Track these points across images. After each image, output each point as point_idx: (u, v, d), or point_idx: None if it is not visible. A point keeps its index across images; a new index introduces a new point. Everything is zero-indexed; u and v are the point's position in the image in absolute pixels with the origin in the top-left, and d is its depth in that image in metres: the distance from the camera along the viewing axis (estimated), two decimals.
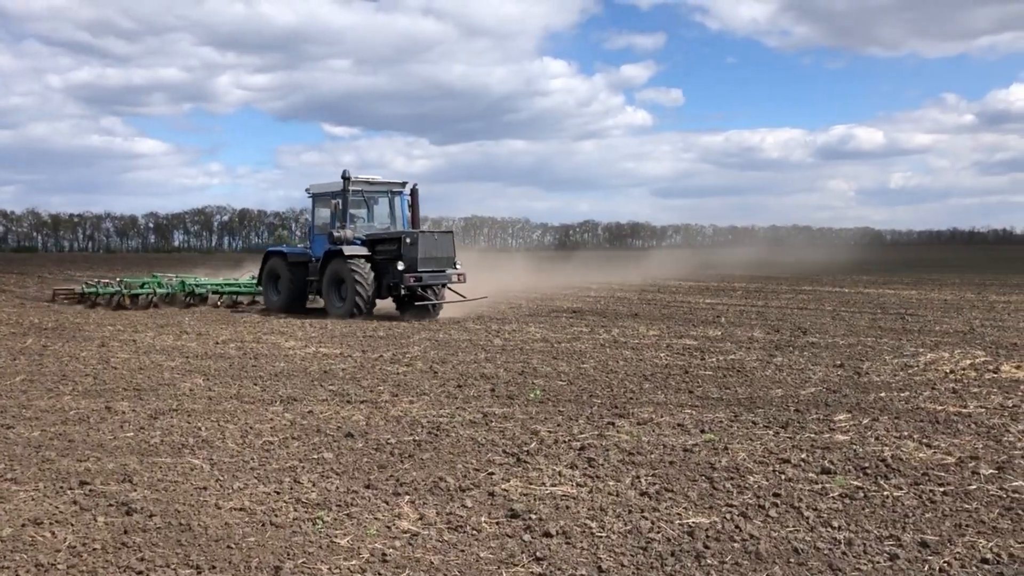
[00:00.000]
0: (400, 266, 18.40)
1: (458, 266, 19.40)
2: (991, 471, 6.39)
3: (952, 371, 11.27)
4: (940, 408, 8.81)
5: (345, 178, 19.52)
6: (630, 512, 5.54)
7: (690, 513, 5.51)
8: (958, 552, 4.84)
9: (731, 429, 7.91)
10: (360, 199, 20.40)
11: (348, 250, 18.94)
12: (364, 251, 19.13)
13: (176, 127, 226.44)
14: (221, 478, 6.38)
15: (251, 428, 8.01)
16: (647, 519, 5.38)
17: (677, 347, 13.92)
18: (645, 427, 8.00)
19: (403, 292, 18.69)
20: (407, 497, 5.87)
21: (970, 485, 6.05)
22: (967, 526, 5.24)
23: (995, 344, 14.11)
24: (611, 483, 6.18)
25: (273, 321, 18.54)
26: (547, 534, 5.12)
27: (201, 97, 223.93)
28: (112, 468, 6.59)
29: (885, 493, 5.89)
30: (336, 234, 19.28)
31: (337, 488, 6.10)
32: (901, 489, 5.98)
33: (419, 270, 18.47)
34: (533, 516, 5.43)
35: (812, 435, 7.62)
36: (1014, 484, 6.05)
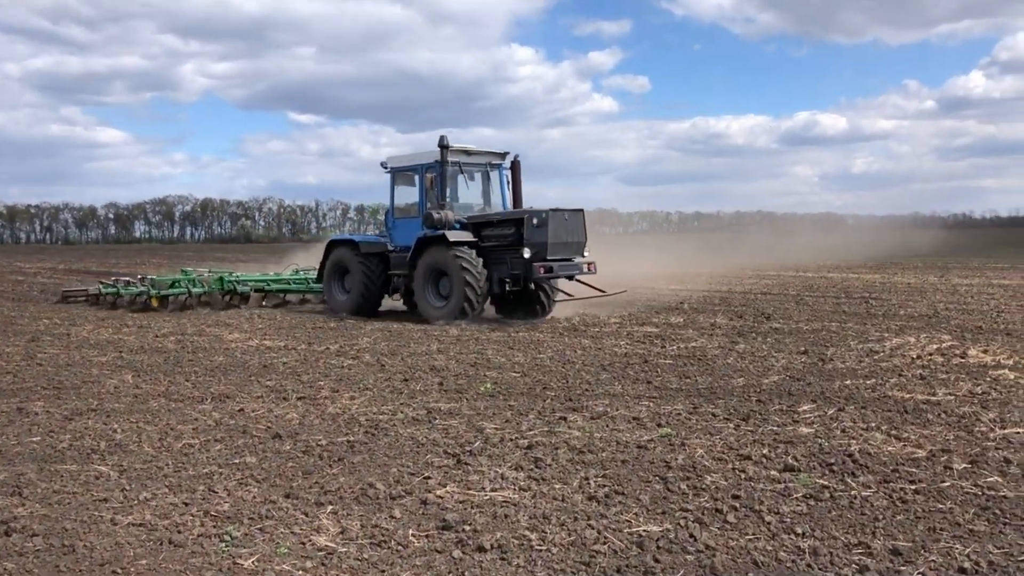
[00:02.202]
0: (526, 253, 14.76)
1: (586, 253, 15.77)
2: (964, 465, 5.96)
3: (919, 356, 10.91)
4: (908, 396, 8.40)
5: (444, 146, 15.73)
6: (575, 520, 5.01)
7: (641, 520, 5.00)
8: (933, 560, 4.37)
9: (689, 422, 7.43)
10: (455, 172, 16.55)
11: (453, 235, 15.27)
12: (470, 236, 15.61)
13: (138, 116, 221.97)
14: (127, 488, 5.76)
15: (172, 429, 7.37)
16: (593, 528, 4.86)
17: (638, 335, 13.44)
18: (598, 422, 7.48)
19: (518, 287, 15.35)
20: (330, 507, 5.29)
21: (943, 482, 5.61)
22: (942, 529, 4.78)
23: (960, 328, 13.81)
24: (557, 486, 5.65)
25: (220, 312, 17.75)
26: (481, 548, 4.58)
27: (163, 86, 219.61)
28: (4, 478, 5.93)
29: (853, 493, 5.42)
30: (436, 216, 15.51)
31: (254, 498, 5.50)
32: (870, 488, 5.52)
33: (549, 258, 14.92)
34: (467, 527, 4.88)
35: (775, 428, 7.16)
36: (989, 480, 5.62)
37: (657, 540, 4.65)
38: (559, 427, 7.27)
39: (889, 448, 6.44)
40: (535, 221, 14.85)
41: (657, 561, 4.38)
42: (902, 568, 4.29)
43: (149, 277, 19.98)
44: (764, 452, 6.38)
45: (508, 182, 16.89)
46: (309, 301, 19.76)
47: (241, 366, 10.74)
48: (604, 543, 4.64)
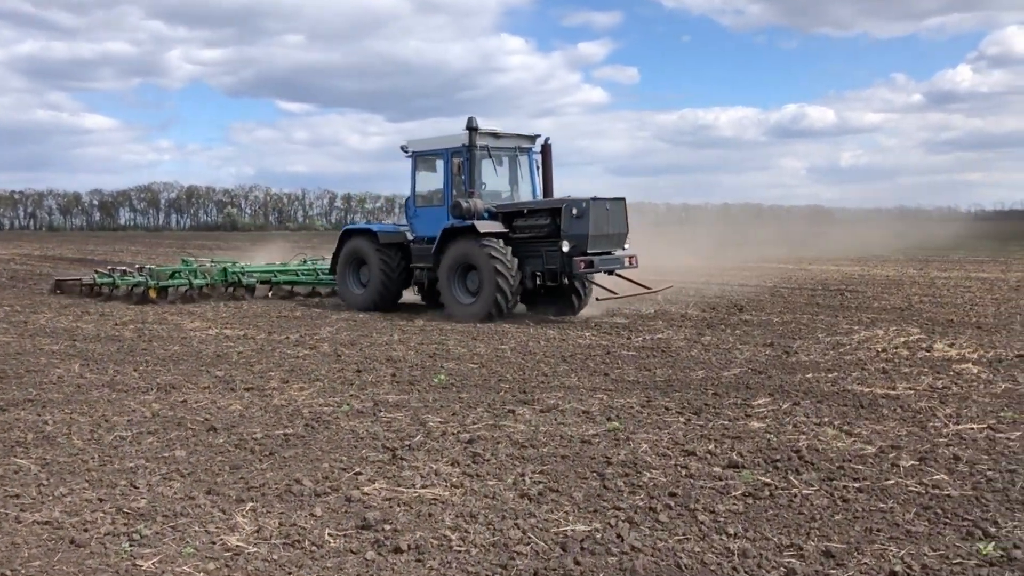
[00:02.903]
0: (565, 246, 13.54)
1: (627, 246, 14.52)
2: (912, 462, 5.80)
3: (884, 350, 10.76)
4: (867, 390, 8.25)
5: (472, 128, 14.46)
6: (503, 519, 4.82)
7: (571, 519, 4.81)
8: (865, 563, 4.20)
9: (640, 416, 7.25)
10: (483, 157, 14.94)
11: (483, 226, 14.00)
12: (500, 227, 14.35)
13: (125, 103, 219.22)
14: (45, 483, 5.53)
15: (106, 421, 7.14)
16: (519, 527, 4.67)
17: (605, 326, 13.26)
18: (547, 415, 7.29)
19: (554, 282, 14.19)
20: (250, 504, 5.08)
21: (888, 480, 5.44)
22: (879, 530, 4.61)
23: (931, 321, 13.69)
24: (491, 483, 5.46)
25: (186, 301, 17.39)
26: (397, 549, 4.38)
27: (151, 72, 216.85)
28: None
29: (794, 491, 5.25)
30: (465, 204, 14.19)
31: (174, 494, 5.29)
32: (812, 486, 5.35)
33: (589, 251, 13.73)
34: (388, 527, 4.68)
35: (726, 422, 6.98)
36: (935, 478, 5.46)
37: (582, 541, 4.46)
38: (505, 420, 7.07)
39: (839, 444, 6.27)
40: (574, 211, 13.59)
41: (578, 563, 4.19)
42: (832, 572, 4.12)
43: (148, 267, 18.77)
44: (710, 448, 6.20)
45: (538, 168, 15.62)
46: (319, 294, 18.48)
47: (195, 355, 10.50)
48: (527, 544, 4.45)
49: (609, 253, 14.12)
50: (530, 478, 5.53)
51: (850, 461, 5.84)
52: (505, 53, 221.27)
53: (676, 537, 4.53)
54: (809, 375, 9.10)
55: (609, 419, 7.13)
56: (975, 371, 9.16)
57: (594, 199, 13.72)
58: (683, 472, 5.65)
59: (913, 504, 5.01)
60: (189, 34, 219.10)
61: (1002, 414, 7.15)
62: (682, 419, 7.12)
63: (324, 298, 18.06)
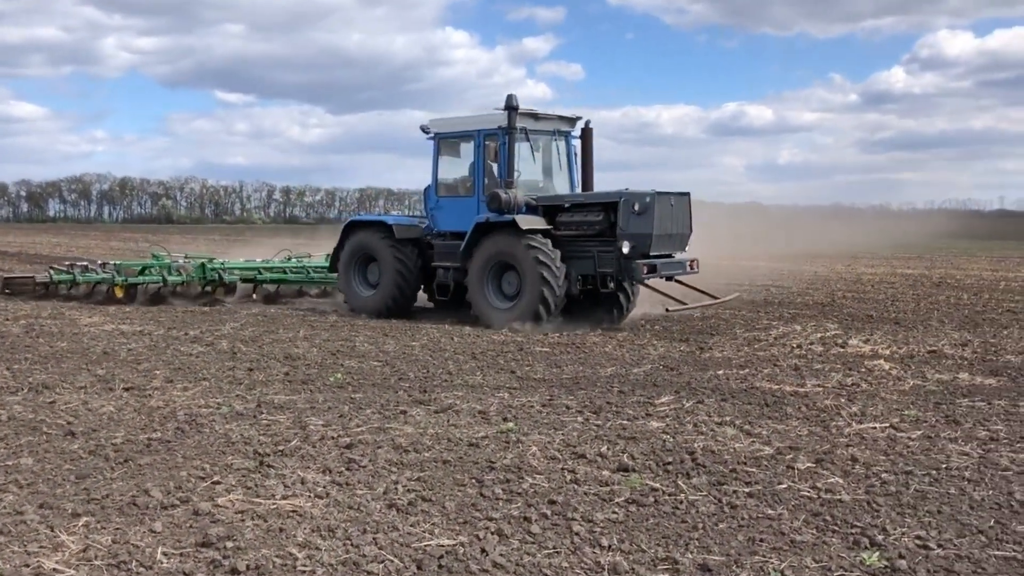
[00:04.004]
0: (625, 247, 11.79)
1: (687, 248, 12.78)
2: (808, 464, 5.55)
3: (800, 346, 10.64)
4: (776, 387, 8.05)
5: (512, 107, 12.50)
6: (363, 532, 4.41)
7: (437, 531, 4.43)
8: None
9: (538, 416, 6.90)
10: (522, 140, 13.01)
11: (525, 221, 12.24)
12: (544, 223, 12.57)
13: (56, 91, 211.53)
14: None
15: None
16: (378, 543, 4.27)
17: None
18: (441, 416, 6.90)
19: (606, 288, 12.43)
20: (85, 519, 4.57)
21: (780, 484, 5.18)
22: (762, 540, 4.32)
23: (851, 316, 13.70)
24: (360, 492, 5.04)
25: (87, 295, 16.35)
26: (234, 570, 3.94)
27: (84, 60, 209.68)
28: None
29: (680, 497, 4.94)
30: (504, 196, 12.33)
31: (3, 508, 4.75)
32: (701, 491, 5.05)
33: (652, 254, 12.04)
34: (231, 544, 4.23)
35: (625, 422, 6.68)
36: (829, 481, 5.21)
37: (440, 557, 4.07)
38: (393, 423, 6.66)
39: (736, 445, 6.01)
40: (636, 207, 11.82)
41: None
42: None
43: (113, 262, 16.49)
44: (602, 450, 5.88)
45: (576, 155, 13.76)
46: (306, 294, 16.87)
47: (80, 352, 9.84)
48: (381, 562, 4.05)
49: (670, 256, 12.46)
50: (403, 486, 5.13)
51: (744, 463, 5.57)
52: (449, 47, 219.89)
53: (545, 551, 4.18)
54: (720, 372, 8.88)
55: (505, 419, 6.77)
56: (887, 367, 9.06)
57: (659, 193, 11.94)
58: (568, 477, 5.31)
59: (803, 510, 4.75)
60: (124, 21, 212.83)
61: (906, 412, 6.99)
62: (580, 419, 6.80)
63: (317, 298, 16.69)
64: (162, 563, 4.05)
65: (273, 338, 11.09)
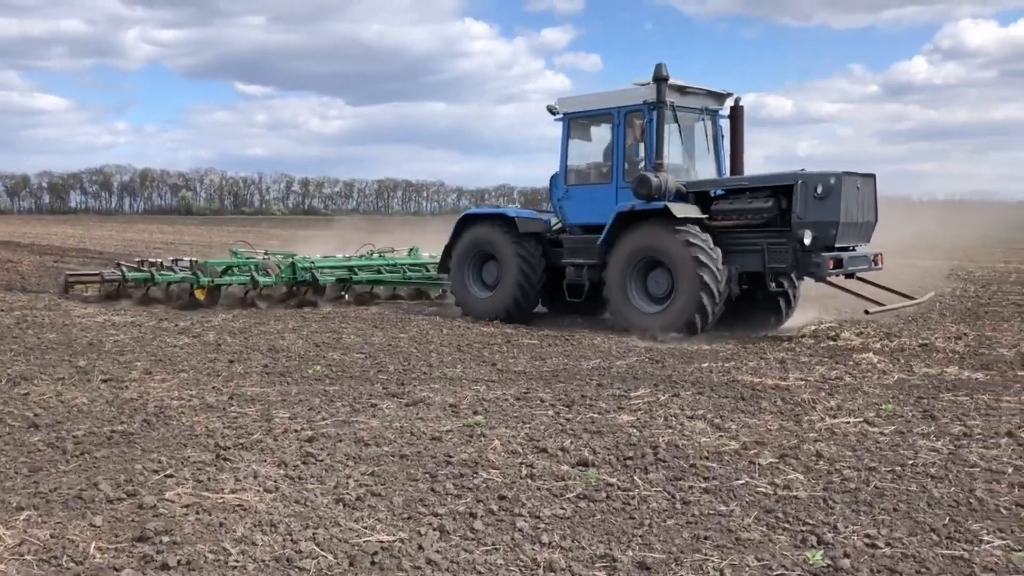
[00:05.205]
0: (806, 238, 10.11)
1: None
2: (772, 460, 5.44)
3: (791, 338, 10.49)
4: (758, 380, 7.93)
5: (662, 78, 10.95)
6: (305, 528, 4.36)
7: (379, 528, 4.36)
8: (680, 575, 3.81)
9: (510, 409, 6.83)
10: (671, 118, 11.42)
11: (679, 209, 10.68)
12: (698, 212, 11.00)
13: (79, 83, 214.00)
14: None
15: None
16: (316, 539, 4.21)
17: None
18: (410, 409, 6.84)
19: (779, 288, 11.27)
20: (27, 513, 4.55)
21: (738, 480, 5.07)
22: (707, 537, 4.23)
23: (850, 308, 13.47)
24: (311, 486, 4.99)
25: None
26: (164, 566, 3.89)
27: (106, 52, 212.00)
28: None
29: (633, 493, 4.85)
30: (655, 180, 10.75)
31: None
32: (656, 486, 4.96)
33: (837, 246, 10.44)
34: (167, 538, 4.18)
35: (595, 415, 6.59)
36: (788, 477, 5.10)
37: (374, 554, 4.01)
38: (360, 416, 6.60)
39: (703, 440, 5.91)
40: (818, 190, 10.09)
41: None
42: None
43: (192, 260, 14.55)
44: (566, 444, 5.79)
45: (723, 136, 12.25)
46: (400, 296, 15.38)
47: (66, 344, 9.87)
48: (315, 558, 3.99)
49: (853, 248, 10.78)
50: (356, 480, 5.08)
51: (706, 458, 5.47)
52: (469, 38, 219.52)
53: (483, 548, 4.11)
54: (705, 364, 8.77)
55: (475, 413, 6.70)
56: (874, 360, 8.91)
57: (846, 173, 10.20)
58: (524, 472, 5.23)
59: (756, 507, 4.65)
60: (147, 14, 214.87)
61: (884, 407, 6.85)
62: (551, 412, 6.72)
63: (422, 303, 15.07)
64: (95, 558, 4.01)
65: (262, 330, 11.08)
